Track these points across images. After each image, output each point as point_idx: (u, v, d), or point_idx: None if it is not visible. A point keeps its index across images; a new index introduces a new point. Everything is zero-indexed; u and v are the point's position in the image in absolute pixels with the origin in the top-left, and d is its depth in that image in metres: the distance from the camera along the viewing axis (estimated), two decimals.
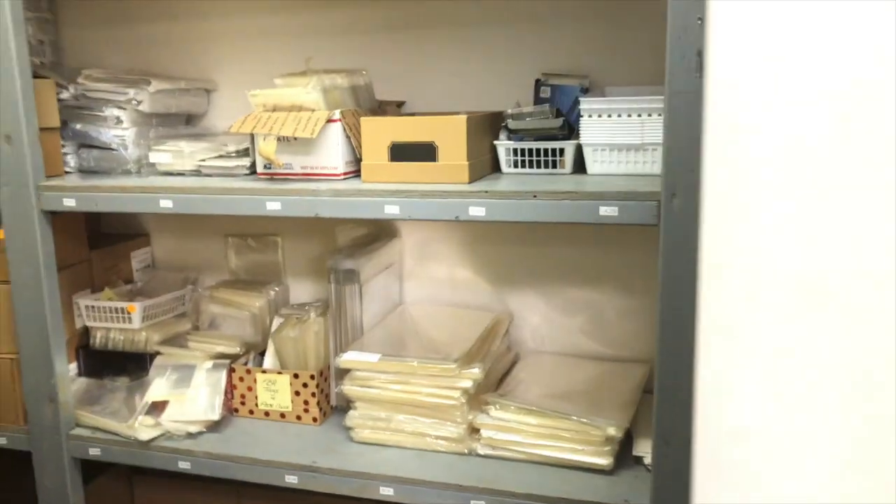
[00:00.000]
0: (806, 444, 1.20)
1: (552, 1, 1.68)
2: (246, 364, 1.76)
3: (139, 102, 1.73)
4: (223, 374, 1.71)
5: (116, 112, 1.73)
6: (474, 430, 1.51)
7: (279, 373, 1.69)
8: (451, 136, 1.39)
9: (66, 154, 1.76)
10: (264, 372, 1.70)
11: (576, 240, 1.75)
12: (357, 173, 1.49)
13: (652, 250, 1.24)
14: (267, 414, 1.71)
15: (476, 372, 1.49)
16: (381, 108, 1.69)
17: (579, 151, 1.48)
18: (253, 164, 1.57)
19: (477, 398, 1.53)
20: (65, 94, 1.74)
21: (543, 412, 1.46)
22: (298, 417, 1.68)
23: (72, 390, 1.72)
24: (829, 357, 1.18)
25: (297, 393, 1.68)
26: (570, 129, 1.50)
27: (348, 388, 1.56)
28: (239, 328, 1.87)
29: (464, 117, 1.39)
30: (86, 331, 1.84)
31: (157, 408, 1.67)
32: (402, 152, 1.42)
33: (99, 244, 1.92)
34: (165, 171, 1.68)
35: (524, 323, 1.82)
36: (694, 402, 1.24)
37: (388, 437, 1.55)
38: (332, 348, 1.70)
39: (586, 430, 1.43)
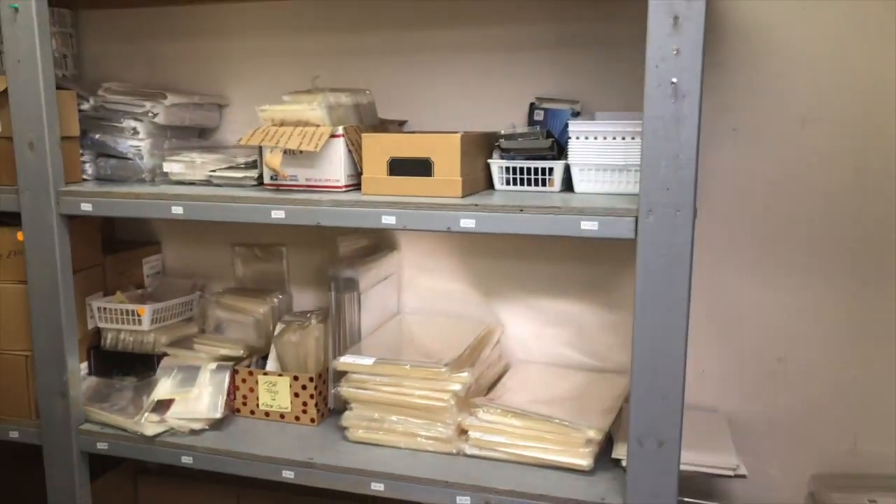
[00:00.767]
0: None
1: (548, 30, 1.77)
2: (249, 366, 1.84)
3: (155, 115, 1.82)
4: (226, 376, 1.79)
5: (133, 123, 1.82)
6: (463, 432, 1.59)
7: (280, 375, 1.77)
8: (446, 152, 1.48)
9: (84, 162, 1.84)
10: (266, 374, 1.79)
11: (563, 256, 1.84)
12: (358, 186, 1.58)
13: (633, 267, 1.32)
14: (267, 414, 1.79)
15: (465, 376, 1.58)
16: (383, 126, 1.78)
17: (568, 171, 1.57)
18: (260, 176, 1.66)
19: (466, 401, 1.60)
20: (85, 105, 1.83)
21: (528, 415, 1.54)
22: (297, 418, 1.76)
23: (82, 388, 1.80)
24: None
25: (297, 394, 1.76)
26: (560, 150, 1.60)
27: (344, 389, 1.64)
28: (243, 333, 1.95)
29: (458, 135, 1.48)
30: (97, 332, 1.92)
31: (163, 405, 1.75)
32: (400, 167, 1.51)
33: (113, 250, 2.01)
34: (178, 181, 1.77)
35: (514, 334, 1.91)
36: (668, 406, 1.32)
37: (382, 437, 1.63)
38: (330, 353, 1.78)
39: (567, 433, 1.50)
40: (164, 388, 1.78)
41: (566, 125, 1.60)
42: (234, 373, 1.80)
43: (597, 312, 1.84)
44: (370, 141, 1.53)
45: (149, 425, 1.72)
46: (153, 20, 2.08)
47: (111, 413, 1.77)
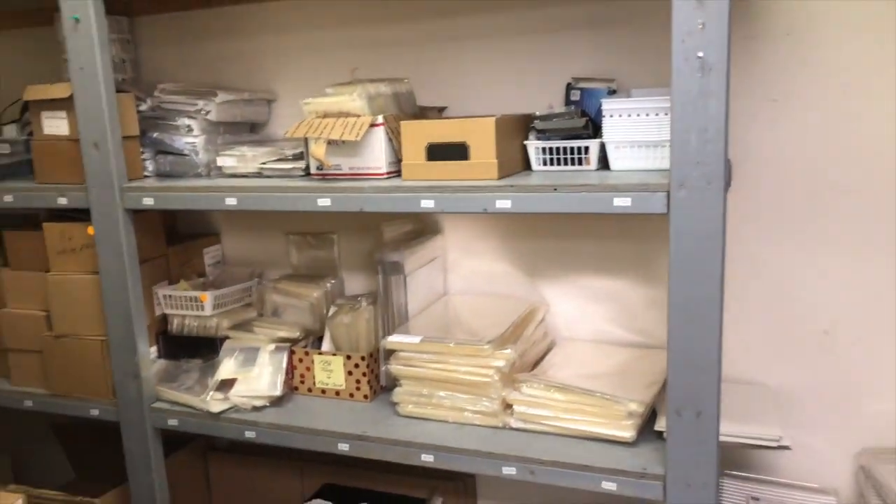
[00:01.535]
0: None
1: (582, 10, 1.79)
2: (305, 347, 1.93)
3: (208, 112, 1.91)
4: (285, 356, 1.88)
5: (188, 121, 1.91)
6: (508, 406, 1.64)
7: (334, 354, 1.86)
8: (481, 136, 1.52)
9: (144, 160, 1.94)
10: (321, 354, 1.87)
11: (604, 234, 1.87)
12: (399, 173, 1.63)
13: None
14: (323, 391, 1.88)
15: (508, 353, 1.62)
16: (423, 113, 1.84)
17: (604, 149, 1.59)
18: (307, 167, 1.74)
19: (511, 377, 1.65)
20: (143, 106, 1.93)
21: (570, 389, 1.58)
22: (351, 395, 1.85)
23: (153, 370, 1.93)
24: None
25: (350, 373, 1.84)
26: (597, 129, 1.62)
27: (394, 367, 1.71)
28: (299, 316, 2.04)
29: (493, 119, 1.52)
30: (164, 318, 2.04)
31: (227, 385, 1.86)
32: (438, 152, 1.56)
33: (175, 241, 2.12)
34: (231, 174, 1.86)
35: (559, 311, 1.94)
36: (705, 377, 1.34)
37: (430, 412, 1.69)
38: (380, 333, 1.86)
39: (610, 406, 1.54)
40: (227, 368, 1.89)
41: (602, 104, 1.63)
42: (292, 353, 1.90)
43: (640, 289, 1.86)
44: (409, 128, 1.58)
45: (214, 403, 1.83)
46: (204, 22, 2.17)
47: (180, 392, 1.89)
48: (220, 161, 1.87)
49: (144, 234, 1.91)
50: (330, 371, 1.86)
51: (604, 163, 1.60)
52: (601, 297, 1.90)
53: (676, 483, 1.39)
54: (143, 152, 1.93)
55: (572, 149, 1.60)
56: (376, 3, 1.97)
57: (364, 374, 1.83)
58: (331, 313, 1.95)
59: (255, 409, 1.82)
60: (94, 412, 1.97)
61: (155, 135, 1.94)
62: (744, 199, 1.73)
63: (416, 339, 1.68)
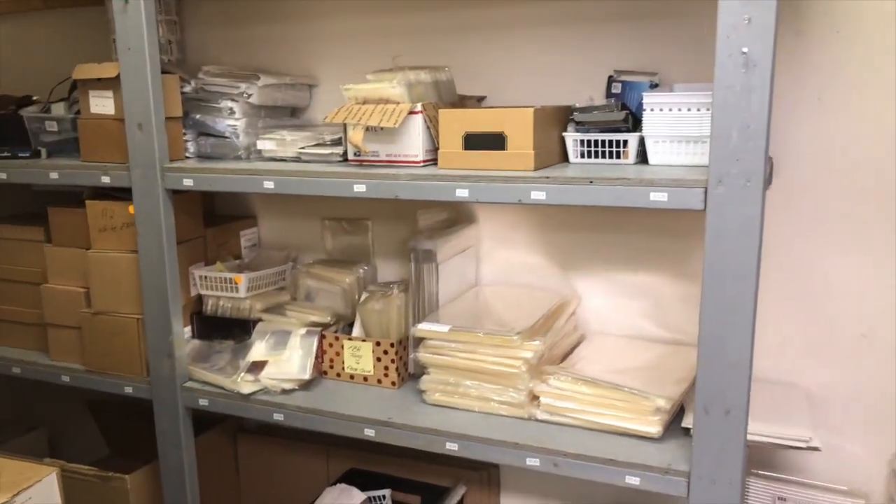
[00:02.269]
0: None
1: (627, 2, 1.78)
2: (335, 332, 1.95)
3: (249, 95, 1.94)
4: (315, 340, 1.90)
5: (230, 104, 1.94)
6: (535, 398, 1.64)
7: (364, 340, 1.87)
8: (519, 127, 1.52)
9: (186, 141, 1.97)
10: (351, 339, 1.89)
11: (639, 228, 1.85)
12: (435, 161, 1.63)
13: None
14: (352, 377, 1.90)
15: (536, 345, 1.62)
16: (462, 102, 1.84)
17: (643, 144, 1.58)
18: (345, 152, 1.75)
19: (539, 369, 1.65)
20: (187, 88, 1.96)
21: (598, 383, 1.57)
22: (379, 381, 1.86)
23: (186, 349, 1.96)
24: None
25: (379, 359, 1.85)
26: (637, 122, 1.61)
27: (422, 354, 1.72)
28: (331, 301, 2.06)
29: (531, 110, 1.51)
30: (199, 299, 2.07)
31: (258, 366, 1.88)
32: (475, 141, 1.56)
33: (213, 223, 2.16)
34: (270, 157, 1.88)
35: (591, 305, 1.93)
36: (735, 375, 1.33)
37: (457, 401, 1.70)
38: (411, 320, 1.87)
39: (637, 401, 1.53)
40: (258, 350, 1.91)
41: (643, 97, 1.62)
42: (322, 338, 1.92)
43: (674, 285, 1.84)
44: (446, 116, 1.59)
45: (244, 384, 1.85)
46: (250, 5, 2.20)
47: (211, 373, 1.92)
48: (260, 144, 1.89)
49: (183, 214, 1.94)
50: (359, 357, 1.88)
51: (642, 157, 1.59)
52: (634, 292, 1.89)
53: (701, 480, 1.38)
54: (185, 133, 1.96)
55: (611, 142, 1.59)
56: None
57: (392, 361, 1.84)
58: (362, 299, 1.96)
59: (285, 391, 1.85)
60: (128, 389, 2.00)
61: (197, 116, 1.96)
62: (784, 198, 1.70)
63: (446, 328, 1.69)
